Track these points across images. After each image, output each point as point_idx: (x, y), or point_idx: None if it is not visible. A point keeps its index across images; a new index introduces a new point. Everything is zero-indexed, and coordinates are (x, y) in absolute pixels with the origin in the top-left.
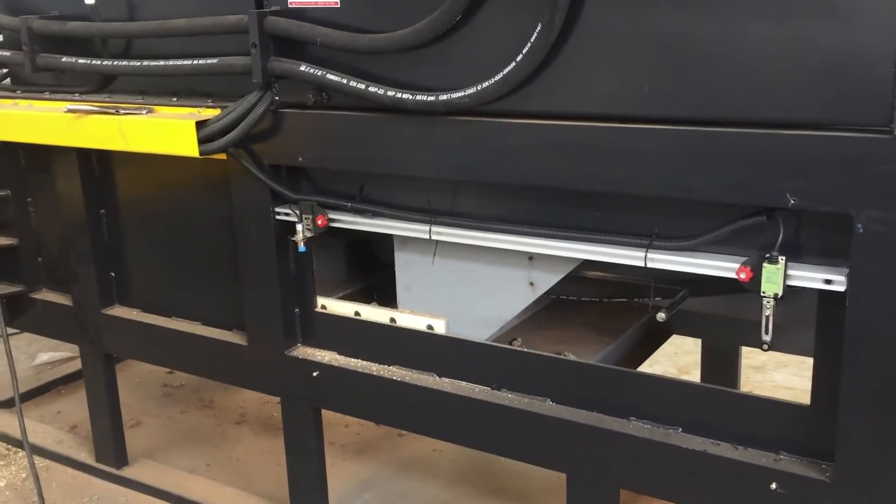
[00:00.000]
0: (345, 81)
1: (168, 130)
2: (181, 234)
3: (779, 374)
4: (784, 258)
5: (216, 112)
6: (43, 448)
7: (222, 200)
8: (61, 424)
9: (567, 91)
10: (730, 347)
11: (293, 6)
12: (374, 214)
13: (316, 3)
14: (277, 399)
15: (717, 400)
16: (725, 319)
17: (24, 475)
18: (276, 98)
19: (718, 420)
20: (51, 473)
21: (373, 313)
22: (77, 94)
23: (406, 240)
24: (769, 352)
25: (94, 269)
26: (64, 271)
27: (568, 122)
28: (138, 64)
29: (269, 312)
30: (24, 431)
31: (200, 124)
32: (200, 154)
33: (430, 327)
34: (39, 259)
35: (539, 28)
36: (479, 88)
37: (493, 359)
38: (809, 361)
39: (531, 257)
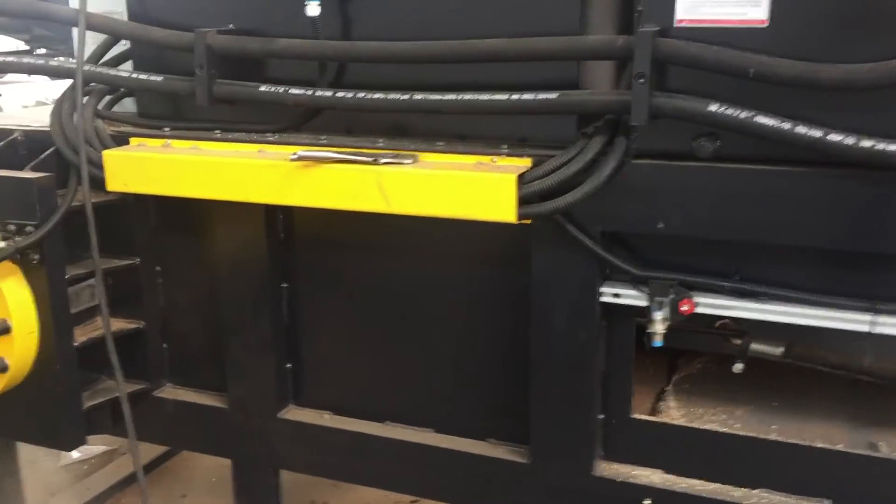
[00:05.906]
0: (787, 127)
1: (469, 189)
2: (408, 314)
3: None
4: None
5: (516, 162)
6: None
7: (491, 272)
8: None
9: None
10: None
11: (683, 25)
12: (770, 298)
13: (728, 20)
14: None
15: None
16: None
17: None
18: (634, 146)
19: None
20: None
21: None
22: (269, 135)
23: None
24: None
25: (274, 360)
26: (203, 362)
27: None
28: (404, 98)
29: (571, 419)
30: None
31: (521, 179)
32: (520, 219)
33: None
34: (164, 346)
35: None
36: None
37: None
38: None
39: None
